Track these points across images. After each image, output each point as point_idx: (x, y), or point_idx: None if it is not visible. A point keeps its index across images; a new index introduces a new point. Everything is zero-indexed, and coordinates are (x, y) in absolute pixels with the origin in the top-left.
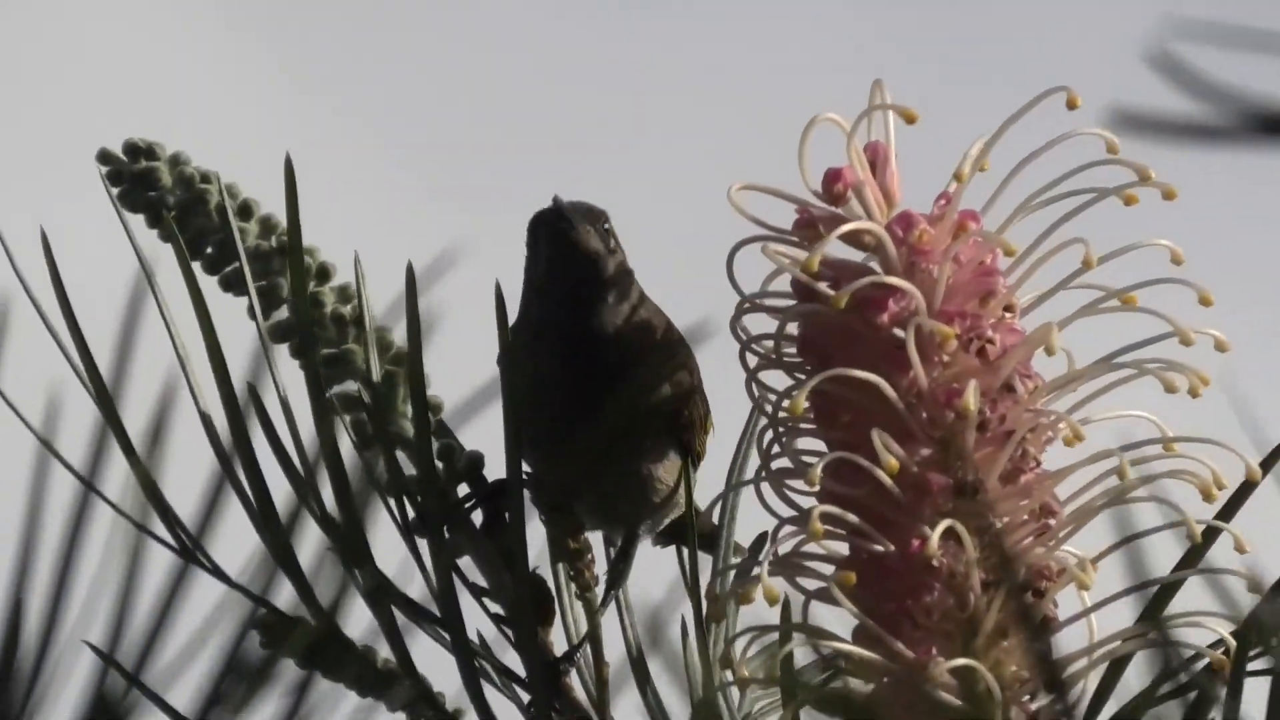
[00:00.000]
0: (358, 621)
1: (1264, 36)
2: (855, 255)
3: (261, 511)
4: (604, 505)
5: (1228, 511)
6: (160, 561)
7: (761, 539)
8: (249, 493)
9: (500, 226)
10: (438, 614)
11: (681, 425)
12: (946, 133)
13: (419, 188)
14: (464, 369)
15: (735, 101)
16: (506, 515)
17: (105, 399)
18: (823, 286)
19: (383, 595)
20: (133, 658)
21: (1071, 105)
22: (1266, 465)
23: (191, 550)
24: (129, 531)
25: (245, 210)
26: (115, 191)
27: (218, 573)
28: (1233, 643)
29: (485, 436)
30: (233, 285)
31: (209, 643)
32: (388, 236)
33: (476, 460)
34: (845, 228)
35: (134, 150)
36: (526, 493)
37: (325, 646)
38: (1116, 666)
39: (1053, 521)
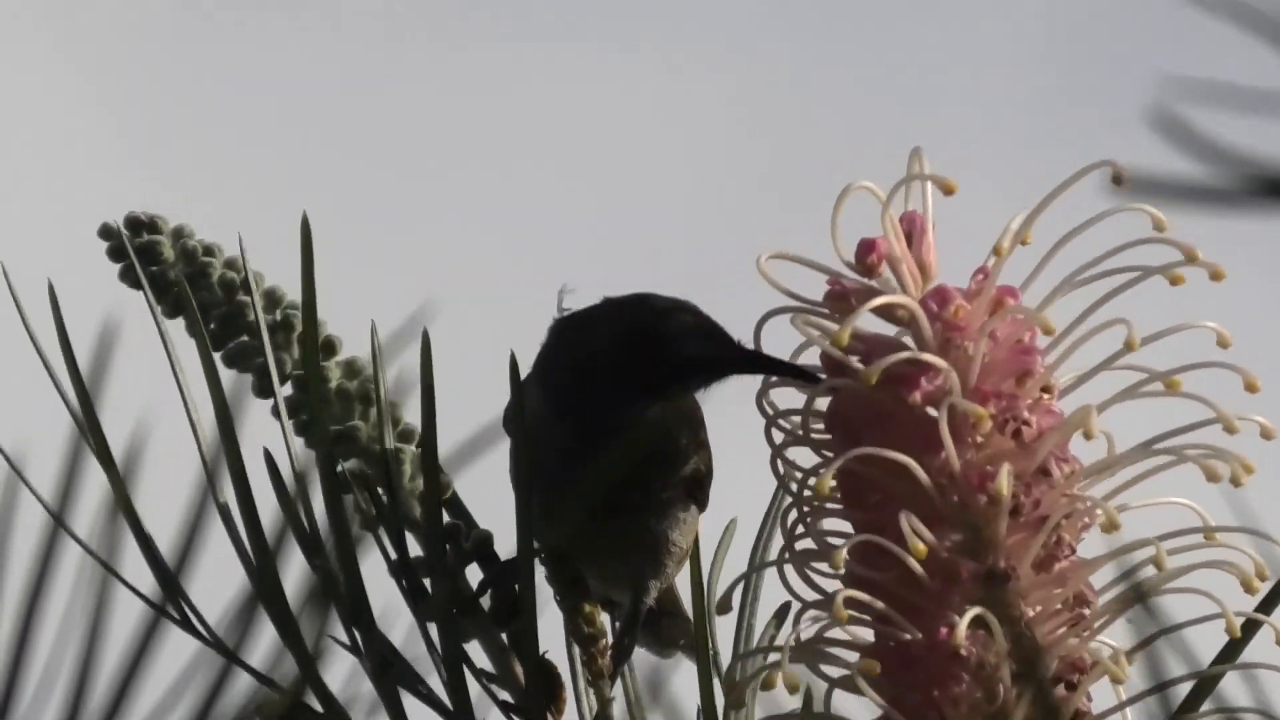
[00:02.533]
0: (363, 708)
1: (1269, 98)
2: (888, 329)
3: (274, 600)
4: (618, 569)
5: (1269, 604)
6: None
7: (782, 616)
8: (258, 571)
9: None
10: (446, 703)
11: (696, 484)
12: (983, 208)
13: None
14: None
15: (765, 175)
16: (516, 598)
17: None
18: (853, 361)
19: (390, 680)
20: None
21: (1117, 181)
22: None
23: (223, 645)
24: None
25: (246, 286)
26: (118, 268)
27: (220, 647)
28: None
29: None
30: (236, 361)
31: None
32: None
33: (485, 540)
34: (877, 301)
35: (136, 224)
36: (538, 572)
37: None
38: None
39: (1087, 611)
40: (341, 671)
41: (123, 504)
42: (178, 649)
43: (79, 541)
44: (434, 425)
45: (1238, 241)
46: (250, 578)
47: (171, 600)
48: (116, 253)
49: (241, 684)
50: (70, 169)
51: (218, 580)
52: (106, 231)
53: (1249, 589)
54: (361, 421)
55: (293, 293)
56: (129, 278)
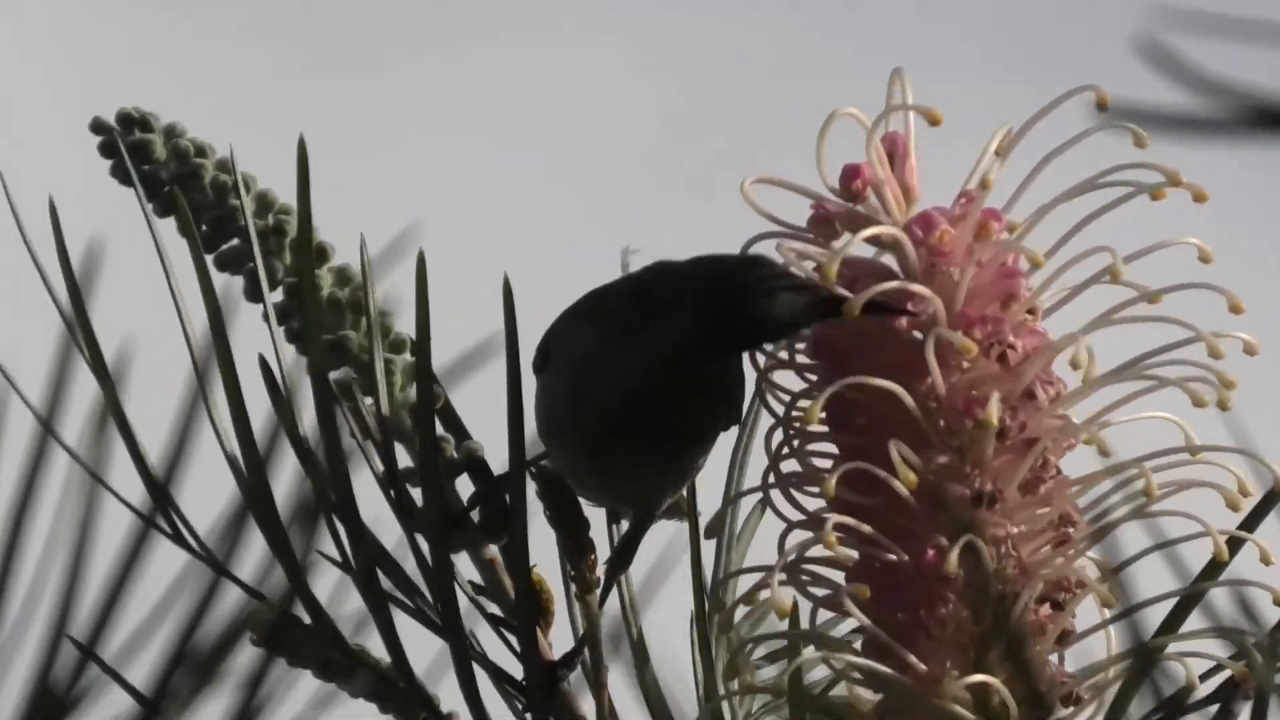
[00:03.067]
0: (351, 623)
1: (1258, 26)
2: (871, 252)
3: (264, 510)
4: (640, 493)
5: (1253, 521)
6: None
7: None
8: (249, 483)
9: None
10: (434, 617)
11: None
12: (961, 124)
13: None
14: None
15: (753, 90)
16: (506, 512)
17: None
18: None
19: (379, 593)
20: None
21: (1101, 105)
22: None
23: (213, 557)
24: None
25: (244, 185)
26: (109, 165)
27: (213, 561)
28: (1256, 656)
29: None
30: (228, 264)
31: (175, 614)
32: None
33: (475, 452)
34: (866, 232)
35: (128, 120)
36: (530, 488)
37: (319, 646)
38: (1135, 682)
39: (1072, 531)
40: (330, 585)
41: (113, 410)
42: (167, 561)
43: (68, 450)
44: (427, 334)
45: (1224, 168)
46: (240, 487)
47: (161, 511)
48: (108, 148)
49: (231, 597)
50: (61, 69)
51: (207, 490)
52: (98, 126)
53: (1233, 506)
54: (353, 331)
55: (285, 199)
56: (120, 174)
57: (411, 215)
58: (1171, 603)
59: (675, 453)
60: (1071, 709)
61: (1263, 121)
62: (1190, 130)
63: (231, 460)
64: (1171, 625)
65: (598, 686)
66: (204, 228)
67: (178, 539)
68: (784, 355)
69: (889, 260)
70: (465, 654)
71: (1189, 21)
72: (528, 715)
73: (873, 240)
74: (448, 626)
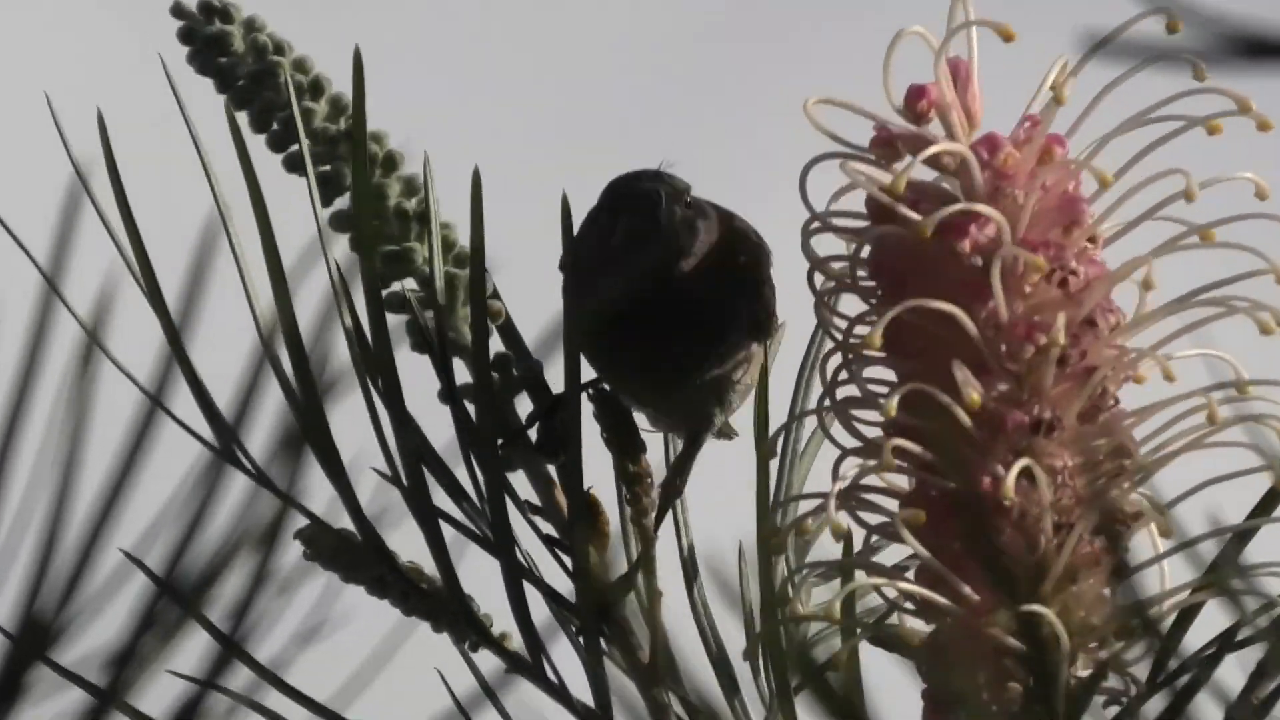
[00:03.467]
0: (403, 539)
1: None
2: (931, 175)
3: (311, 420)
4: (680, 407)
5: None
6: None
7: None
8: (295, 393)
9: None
10: (487, 532)
11: (759, 323)
12: (1011, 59)
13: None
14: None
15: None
16: (563, 431)
17: (156, 293)
18: (905, 210)
19: (431, 509)
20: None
21: (1172, 29)
22: None
23: (232, 450)
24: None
25: (315, 88)
26: (186, 51)
27: (262, 478)
28: None
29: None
30: (297, 166)
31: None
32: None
33: (535, 370)
34: (933, 149)
35: (209, 9)
36: (587, 408)
37: (369, 561)
38: (1188, 615)
39: (1128, 462)
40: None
41: (173, 347)
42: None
43: (119, 368)
44: (482, 250)
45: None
46: (295, 413)
47: (226, 443)
48: (187, 34)
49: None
50: None
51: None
52: (179, 10)
53: None
54: (417, 243)
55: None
56: (197, 62)
57: (453, 129)
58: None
59: (683, 362)
60: (1123, 641)
61: (1254, 52)
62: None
63: (285, 385)
64: (1227, 559)
65: (651, 610)
66: (275, 127)
67: (239, 465)
68: (844, 277)
69: (952, 185)
70: (517, 573)
71: None
72: (581, 637)
73: (936, 162)
74: (499, 545)
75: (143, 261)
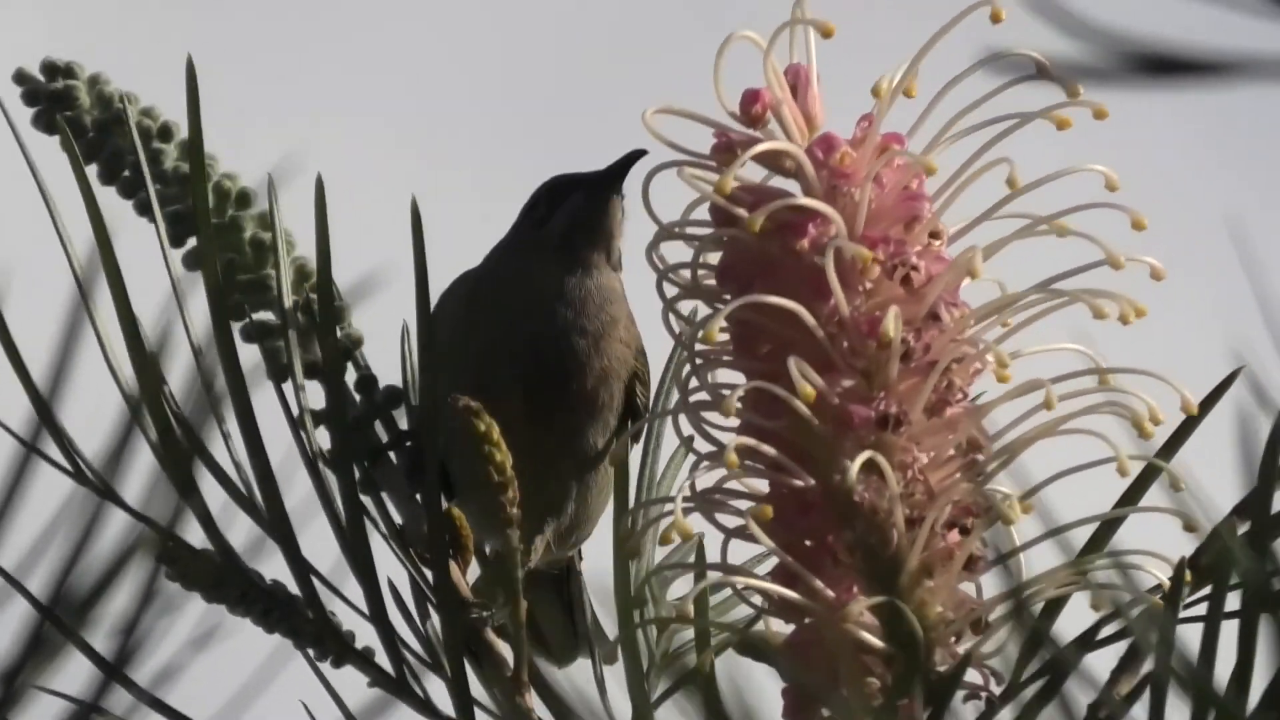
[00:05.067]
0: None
1: None
2: (779, 182)
3: (172, 453)
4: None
5: (1172, 445)
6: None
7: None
8: (156, 431)
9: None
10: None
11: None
12: (871, 59)
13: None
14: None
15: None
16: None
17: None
18: (740, 211)
19: (288, 531)
20: None
21: (996, 19)
22: (1207, 403)
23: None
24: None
25: (165, 133)
26: (31, 112)
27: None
28: (1167, 584)
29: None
30: (147, 209)
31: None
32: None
33: (395, 394)
34: (759, 148)
35: (51, 69)
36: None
37: (232, 582)
38: (1049, 610)
39: (981, 456)
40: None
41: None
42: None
43: None
44: (329, 269)
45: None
46: (148, 443)
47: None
48: (31, 96)
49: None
50: None
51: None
52: (20, 77)
53: (1143, 432)
54: (273, 271)
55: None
56: (43, 122)
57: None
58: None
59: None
60: (980, 636)
61: (1148, 68)
62: (1079, 77)
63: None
64: (1091, 549)
65: (514, 621)
66: (126, 173)
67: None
68: (690, 284)
69: (794, 186)
70: (377, 589)
71: None
72: (442, 652)
73: (774, 163)
74: (357, 562)
75: None
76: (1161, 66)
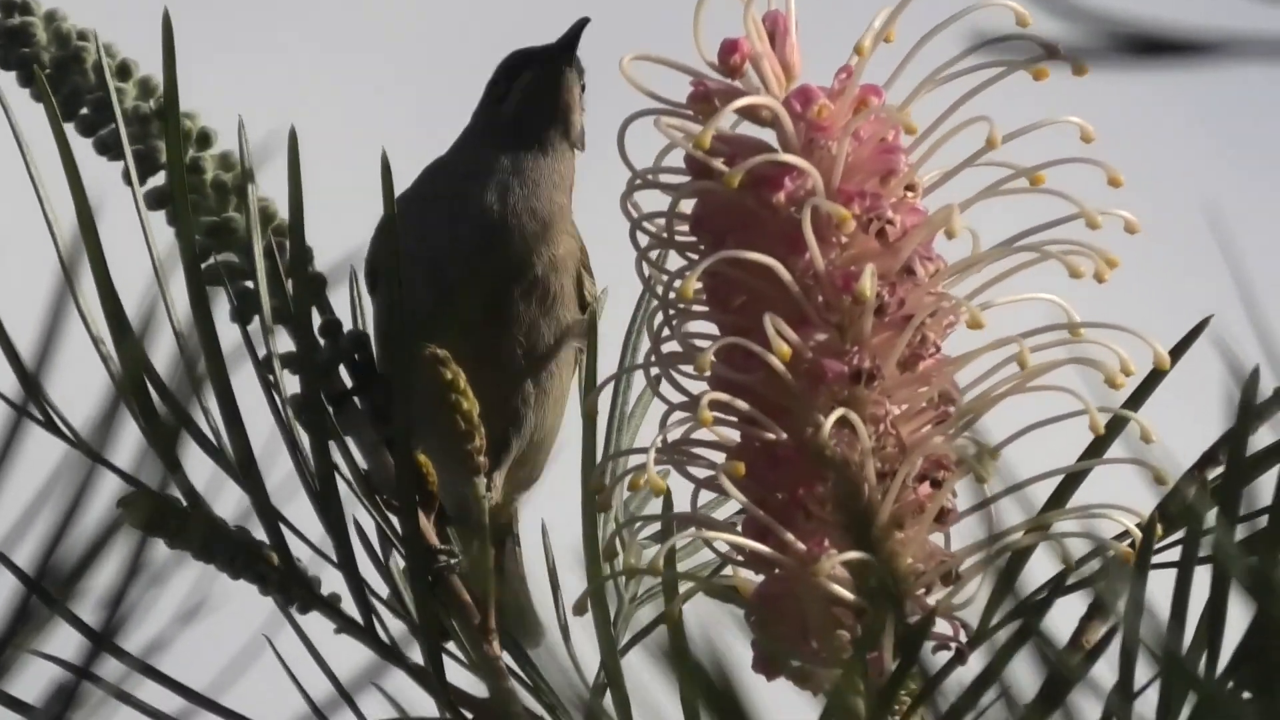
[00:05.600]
0: (229, 503)
1: None
2: (755, 131)
3: (141, 396)
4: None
5: (1136, 400)
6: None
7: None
8: (126, 376)
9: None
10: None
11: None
12: (849, 8)
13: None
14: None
15: None
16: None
17: None
18: (717, 163)
19: (257, 477)
20: None
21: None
22: (1175, 353)
23: (85, 443)
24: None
25: (124, 70)
26: None
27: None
28: (1138, 536)
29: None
30: (109, 148)
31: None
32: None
33: (361, 338)
34: (739, 102)
35: (7, 5)
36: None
37: (195, 527)
38: (1019, 559)
39: (952, 409)
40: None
41: None
42: (42, 451)
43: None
44: (301, 216)
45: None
46: (111, 376)
47: (34, 401)
48: None
49: (108, 484)
50: None
51: (78, 383)
52: None
53: (1113, 385)
54: (237, 214)
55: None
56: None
57: (286, 108)
58: (1055, 481)
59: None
60: (951, 587)
61: (1133, 47)
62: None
63: (102, 351)
64: (1057, 503)
65: (481, 568)
66: (85, 111)
67: (50, 427)
68: (663, 233)
69: (770, 136)
70: (344, 535)
71: None
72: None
73: (751, 114)
74: (325, 507)
75: None
76: (1146, 47)
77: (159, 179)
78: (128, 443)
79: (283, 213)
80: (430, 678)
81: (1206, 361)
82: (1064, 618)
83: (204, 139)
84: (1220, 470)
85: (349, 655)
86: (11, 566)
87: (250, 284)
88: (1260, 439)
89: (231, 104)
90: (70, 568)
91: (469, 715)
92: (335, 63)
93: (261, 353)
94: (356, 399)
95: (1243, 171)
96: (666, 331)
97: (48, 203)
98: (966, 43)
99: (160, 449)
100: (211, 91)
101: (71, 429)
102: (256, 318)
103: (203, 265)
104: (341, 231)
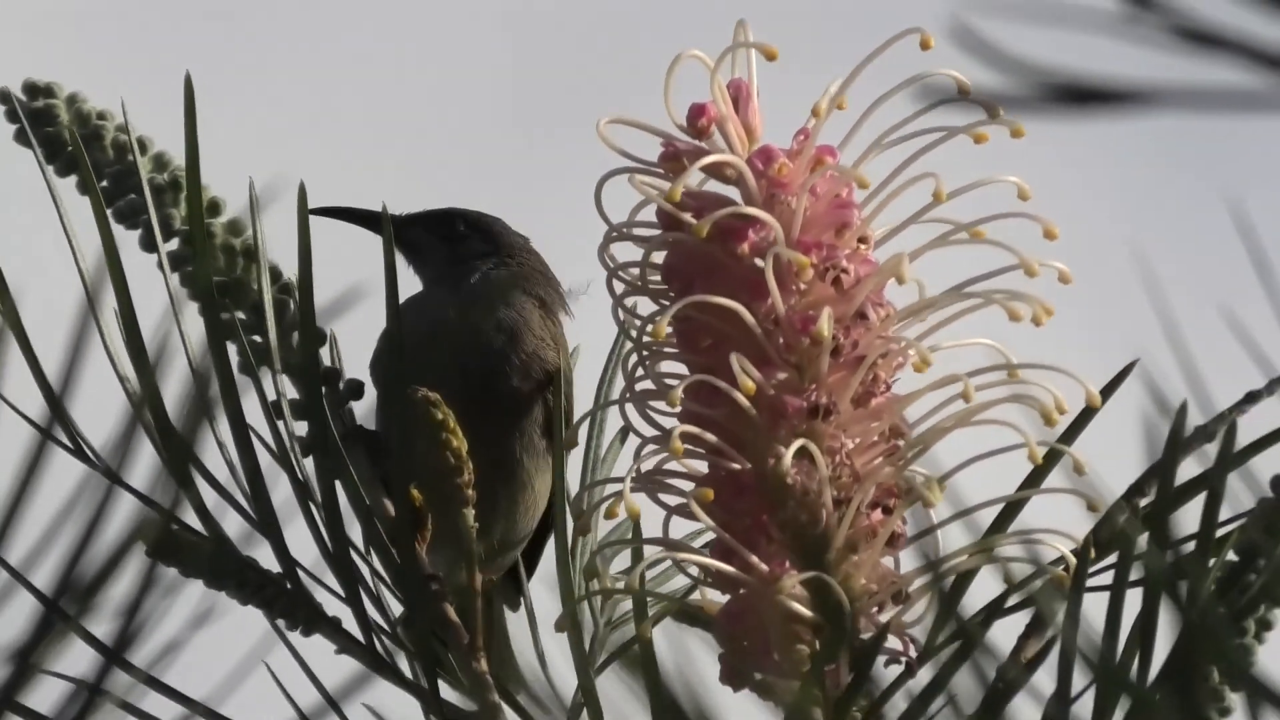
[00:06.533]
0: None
1: (1057, 10)
2: (722, 189)
3: (166, 435)
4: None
5: (1070, 434)
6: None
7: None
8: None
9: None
10: (323, 531)
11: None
12: (806, 76)
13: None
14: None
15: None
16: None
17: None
18: (686, 216)
19: (268, 508)
20: None
21: (925, 46)
22: (1106, 391)
23: (111, 470)
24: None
25: (141, 146)
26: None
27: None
28: (1072, 560)
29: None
30: (127, 216)
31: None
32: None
33: (356, 387)
34: (706, 160)
35: (33, 89)
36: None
37: (207, 558)
38: (962, 582)
39: (902, 442)
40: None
41: (12, 326)
42: (63, 474)
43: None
44: (309, 270)
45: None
46: (130, 400)
47: (61, 423)
48: (10, 115)
49: (125, 506)
50: None
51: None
52: (3, 96)
53: (1049, 421)
54: (245, 274)
55: (179, 158)
56: (22, 138)
57: (289, 164)
58: (997, 509)
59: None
60: (901, 606)
61: (1063, 97)
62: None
63: (127, 385)
64: (999, 528)
65: (469, 594)
66: (105, 184)
67: (77, 452)
68: (637, 281)
69: (734, 193)
70: (350, 565)
71: (997, 6)
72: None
73: (717, 172)
74: (333, 537)
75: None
76: (1074, 96)
77: (174, 244)
78: (143, 466)
79: (286, 269)
80: (425, 693)
81: (1134, 400)
82: (1005, 636)
83: (214, 207)
84: (1149, 499)
85: (336, 670)
86: (29, 587)
87: (258, 337)
88: (1185, 470)
89: (234, 148)
90: (87, 584)
91: None
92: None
93: (271, 397)
94: (354, 439)
95: (1168, 217)
96: (640, 371)
97: (82, 260)
98: (914, 105)
99: (175, 473)
100: (213, 136)
101: (93, 450)
102: (265, 367)
103: (220, 317)
104: (335, 272)
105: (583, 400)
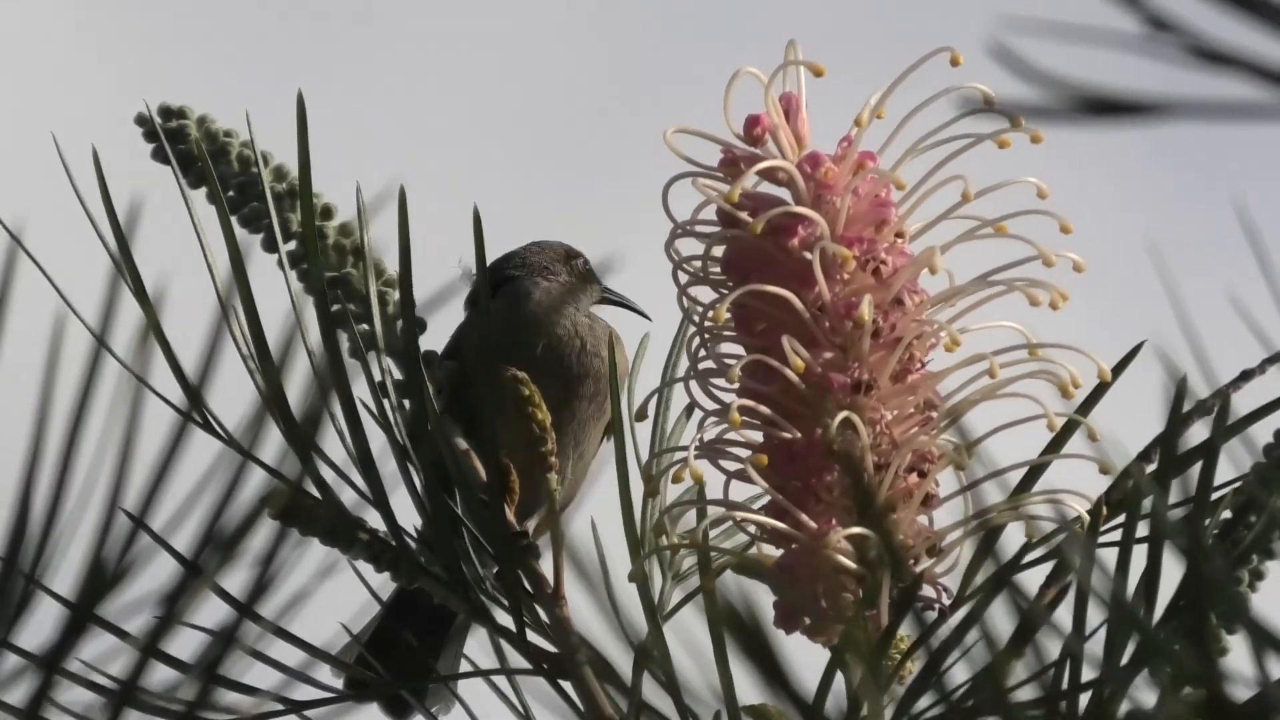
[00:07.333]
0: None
1: (1086, 31)
2: (772, 189)
3: (284, 411)
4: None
5: (1085, 407)
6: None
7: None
8: (274, 396)
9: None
10: (422, 495)
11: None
12: (849, 90)
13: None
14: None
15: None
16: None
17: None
18: (743, 215)
19: (376, 477)
20: (137, 507)
21: (955, 63)
22: (1117, 369)
23: (233, 439)
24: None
25: (263, 159)
26: (150, 148)
27: (234, 443)
28: (1087, 517)
29: None
30: (250, 222)
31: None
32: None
33: (454, 370)
34: (761, 165)
35: (167, 112)
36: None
37: (323, 517)
38: (993, 534)
39: (935, 414)
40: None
41: (154, 330)
42: (200, 454)
43: (120, 361)
44: (409, 266)
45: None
46: (257, 383)
47: (195, 408)
48: (150, 135)
49: (255, 480)
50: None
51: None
52: (141, 119)
53: (1066, 394)
54: (353, 270)
55: (295, 168)
56: (160, 155)
57: (399, 166)
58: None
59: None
60: (935, 559)
61: (1089, 108)
62: (1034, 117)
63: (252, 372)
64: (1023, 489)
65: (555, 549)
66: (230, 193)
67: (209, 429)
68: (699, 273)
69: (785, 195)
70: (448, 525)
71: (1031, 27)
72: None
73: (770, 175)
74: (434, 501)
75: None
76: (1099, 107)
77: (292, 245)
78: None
79: (389, 265)
80: (514, 636)
81: (1146, 376)
82: (1028, 584)
83: (326, 212)
84: (1155, 465)
85: None
86: (170, 550)
87: (365, 326)
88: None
89: (345, 155)
90: (224, 542)
91: (545, 666)
92: (428, 111)
93: (377, 378)
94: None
95: (1179, 214)
96: (703, 352)
97: (213, 261)
98: (946, 115)
99: (298, 449)
100: (325, 144)
101: (225, 430)
102: (371, 351)
103: (331, 309)
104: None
105: (650, 379)
